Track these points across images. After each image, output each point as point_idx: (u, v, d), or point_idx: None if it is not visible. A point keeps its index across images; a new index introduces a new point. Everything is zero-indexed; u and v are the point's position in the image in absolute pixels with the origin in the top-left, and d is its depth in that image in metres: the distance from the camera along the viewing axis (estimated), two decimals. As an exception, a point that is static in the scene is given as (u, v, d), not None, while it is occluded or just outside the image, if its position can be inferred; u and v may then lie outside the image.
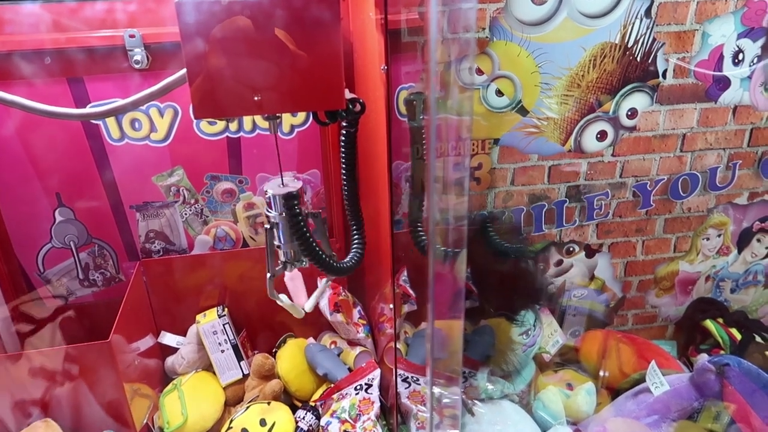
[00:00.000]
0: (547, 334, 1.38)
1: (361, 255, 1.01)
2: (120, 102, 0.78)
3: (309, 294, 1.13)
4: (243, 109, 0.74)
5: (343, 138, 0.93)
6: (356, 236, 1.02)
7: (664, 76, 1.25)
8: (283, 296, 1.03)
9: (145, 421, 1.21)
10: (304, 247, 0.90)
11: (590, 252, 1.44)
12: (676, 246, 1.47)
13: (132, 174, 1.26)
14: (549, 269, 1.45)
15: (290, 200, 0.88)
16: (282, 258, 0.95)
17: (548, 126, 1.28)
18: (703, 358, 1.23)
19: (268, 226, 0.93)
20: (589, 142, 1.31)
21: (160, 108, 1.21)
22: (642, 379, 1.26)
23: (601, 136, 1.30)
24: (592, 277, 1.48)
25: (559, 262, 1.44)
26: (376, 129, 1.01)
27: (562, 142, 1.30)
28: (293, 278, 1.19)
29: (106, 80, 1.16)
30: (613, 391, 1.33)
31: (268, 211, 0.91)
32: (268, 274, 0.97)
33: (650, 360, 1.31)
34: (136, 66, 1.13)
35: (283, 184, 0.91)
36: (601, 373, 1.37)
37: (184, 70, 0.70)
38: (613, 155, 1.33)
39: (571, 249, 1.43)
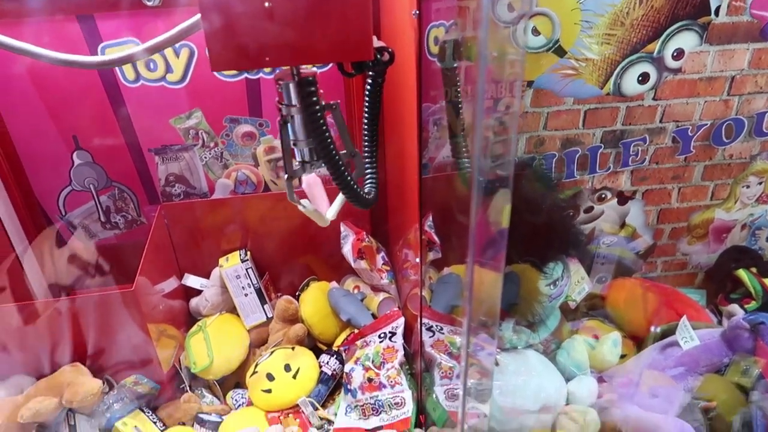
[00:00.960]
0: (574, 282, 1.36)
1: (376, 192, 0.93)
2: (134, 49, 0.73)
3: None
4: (263, 61, 0.69)
5: (368, 88, 0.87)
6: (371, 177, 0.95)
7: (716, 13, 1.15)
8: (305, 201, 0.94)
9: (171, 362, 1.24)
10: (320, 145, 0.80)
11: (623, 199, 1.39)
12: (714, 193, 1.41)
13: (149, 116, 1.22)
14: (578, 216, 1.40)
15: (306, 87, 0.77)
16: (298, 157, 0.84)
17: (587, 68, 1.20)
18: (737, 315, 1.20)
19: (281, 122, 0.81)
20: (630, 84, 1.22)
21: (175, 48, 1.15)
22: (669, 331, 1.24)
23: (643, 78, 1.22)
24: (623, 225, 1.43)
25: (590, 209, 1.40)
26: (405, 72, 0.95)
27: (600, 84, 1.22)
28: (312, 185, 1.02)
29: (118, 18, 1.10)
30: (638, 341, 1.31)
31: (280, 103, 0.80)
32: (286, 176, 0.87)
33: (679, 311, 1.29)
34: (148, 3, 1.07)
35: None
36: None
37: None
38: (654, 99, 1.24)
39: (603, 196, 1.38)
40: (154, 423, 1.12)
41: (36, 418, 1.00)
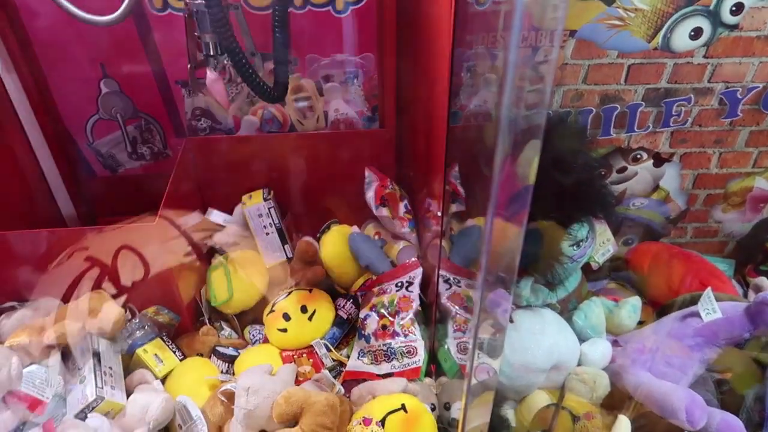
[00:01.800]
0: (599, 243, 1.33)
1: (285, 88, 1.00)
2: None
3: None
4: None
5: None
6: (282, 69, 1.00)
7: (786, -35, 1.06)
8: (207, 94, 1.08)
9: (192, 295, 1.27)
10: (222, 38, 0.88)
11: (659, 161, 1.34)
12: (757, 161, 1.34)
13: (176, 47, 1.19)
14: (610, 175, 1.36)
15: None
16: (204, 51, 0.92)
17: (635, 19, 1.12)
18: (764, 289, 1.16)
19: (186, 14, 0.90)
20: (680, 40, 1.15)
21: (204, -24, 1.11)
22: (691, 300, 1.21)
23: (696, 33, 1.14)
24: (656, 188, 1.38)
25: (623, 169, 1.35)
26: (439, 12, 0.90)
27: (648, 38, 1.15)
28: (214, 81, 1.12)
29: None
30: (658, 307, 1.29)
31: None
32: (189, 65, 0.96)
33: (704, 281, 1.26)
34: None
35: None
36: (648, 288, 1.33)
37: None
38: (705, 56, 1.17)
39: (638, 156, 1.33)
40: (174, 352, 1.16)
41: (61, 340, 1.04)
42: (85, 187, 1.35)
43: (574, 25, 1.15)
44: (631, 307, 1.22)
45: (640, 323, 1.25)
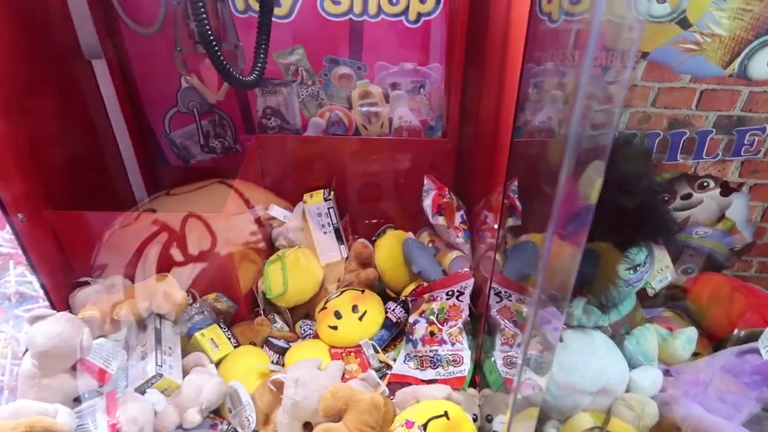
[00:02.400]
0: (657, 269, 1.30)
1: (259, 75, 1.09)
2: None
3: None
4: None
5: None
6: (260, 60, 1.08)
7: None
8: (193, 76, 1.13)
9: (250, 286, 1.32)
10: (198, 27, 0.96)
11: (727, 190, 1.30)
12: (832, 198, 1.29)
13: (253, 48, 1.25)
14: (674, 202, 1.33)
15: None
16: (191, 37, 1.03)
17: (711, 44, 1.10)
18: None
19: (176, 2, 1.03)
20: (759, 67, 1.12)
21: (285, -18, 1.17)
22: (751, 336, 1.17)
23: (776, 62, 1.11)
24: (722, 217, 1.34)
25: (688, 196, 1.32)
26: (513, 27, 0.92)
27: (724, 64, 1.12)
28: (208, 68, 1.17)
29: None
30: (715, 341, 1.26)
31: None
32: (177, 48, 1.08)
33: (766, 317, 1.21)
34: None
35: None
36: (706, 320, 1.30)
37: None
38: (784, 86, 1.14)
39: (705, 184, 1.29)
40: (229, 339, 1.21)
41: (128, 317, 1.10)
42: (159, 175, 1.43)
43: (647, 46, 1.14)
44: (687, 337, 1.20)
45: (695, 355, 1.22)
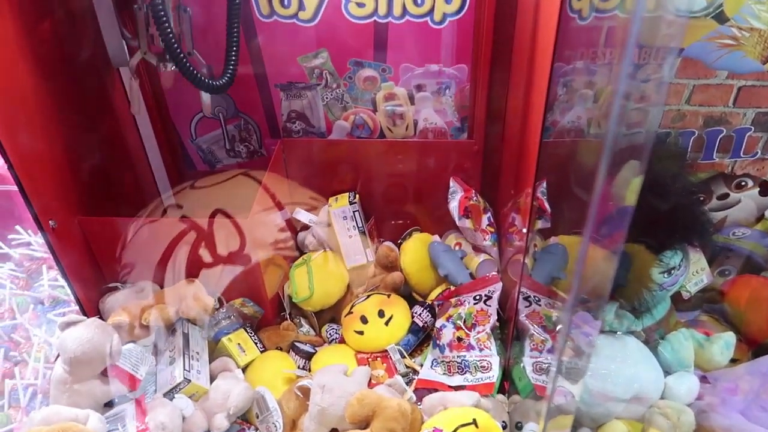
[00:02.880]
0: (692, 272, 1.26)
1: (230, 79, 1.10)
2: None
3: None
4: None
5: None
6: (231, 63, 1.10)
7: None
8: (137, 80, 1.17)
9: (276, 290, 1.32)
10: (160, 32, 0.99)
11: (766, 189, 1.25)
12: None
13: (278, 52, 1.25)
14: (710, 202, 1.28)
15: None
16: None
17: (750, 39, 1.06)
18: None
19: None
20: (800, 62, 1.07)
21: (309, -15, 1.16)
22: (795, 342, 1.13)
23: (818, 56, 1.06)
24: (761, 218, 1.29)
25: (724, 196, 1.27)
26: (543, 25, 0.90)
27: (763, 59, 1.08)
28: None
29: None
30: (755, 346, 1.21)
31: None
32: (140, 51, 1.11)
33: (810, 321, 1.17)
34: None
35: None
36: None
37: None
38: (827, 81, 1.09)
39: (743, 183, 1.25)
40: (255, 343, 1.21)
41: (157, 322, 1.11)
42: (186, 180, 1.44)
43: (681, 42, 1.10)
44: (725, 342, 1.15)
45: (733, 361, 1.17)
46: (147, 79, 1.29)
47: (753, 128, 1.17)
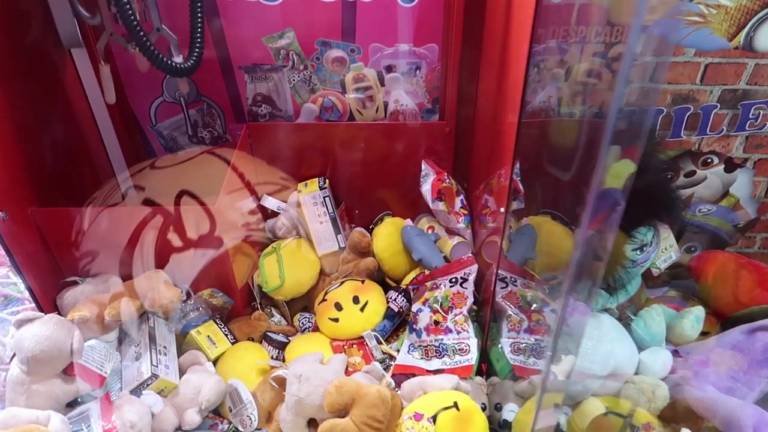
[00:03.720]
0: (661, 249, 1.28)
1: (196, 61, 1.05)
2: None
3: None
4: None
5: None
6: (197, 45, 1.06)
7: None
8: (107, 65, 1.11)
9: (245, 280, 1.28)
10: (121, 12, 0.94)
11: (731, 166, 1.27)
12: (837, 171, 1.27)
13: (242, 33, 1.20)
14: (677, 179, 1.30)
15: None
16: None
17: (717, 15, 1.07)
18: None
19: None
20: (765, 38, 1.09)
21: (273, -39, 1.11)
22: (761, 313, 1.15)
23: (782, 33, 1.08)
24: (725, 194, 1.32)
25: (691, 173, 1.29)
26: (520, 4, 0.88)
27: (729, 36, 1.09)
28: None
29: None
30: (722, 319, 1.24)
31: None
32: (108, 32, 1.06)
33: (775, 293, 1.20)
34: None
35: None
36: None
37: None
38: (790, 58, 1.11)
39: (708, 160, 1.27)
40: (226, 335, 1.17)
41: (119, 317, 1.06)
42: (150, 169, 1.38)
43: (648, 19, 1.10)
44: (695, 317, 1.17)
45: (703, 334, 1.20)
46: (101, 61, 1.21)
47: (719, 105, 1.18)
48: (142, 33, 0.95)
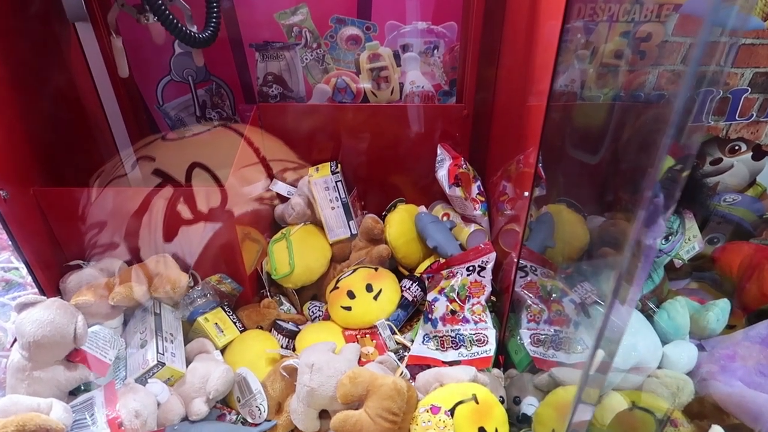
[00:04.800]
0: (685, 239, 1.24)
1: (214, 31, 1.01)
2: None
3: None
4: None
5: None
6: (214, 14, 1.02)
7: None
8: (120, 37, 1.08)
9: (254, 266, 1.23)
10: None
11: (759, 153, 1.22)
12: None
13: (253, 8, 1.15)
14: (703, 167, 1.25)
15: None
16: None
17: (752, -7, 1.02)
18: None
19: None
20: (803, 19, 1.04)
21: (287, -68, 1.06)
22: (789, 307, 1.11)
23: (821, 12, 1.03)
24: (752, 183, 1.27)
25: (718, 161, 1.24)
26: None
27: (765, 16, 1.04)
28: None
29: None
30: (748, 311, 1.19)
31: None
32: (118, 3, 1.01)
33: (803, 286, 1.15)
34: None
35: None
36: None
37: None
38: (828, 39, 1.06)
39: (736, 147, 1.22)
40: (234, 323, 1.13)
41: (125, 302, 1.02)
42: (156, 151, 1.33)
43: (680, -3, 1.06)
44: (720, 309, 1.13)
45: (728, 327, 1.15)
46: (105, 34, 1.17)
47: (750, 89, 1.13)
48: (160, 1, 0.90)
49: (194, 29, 1.00)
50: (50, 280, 1.07)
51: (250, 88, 1.26)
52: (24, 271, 1.09)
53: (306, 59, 1.22)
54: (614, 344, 0.63)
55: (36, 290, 1.06)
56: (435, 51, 1.21)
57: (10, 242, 0.99)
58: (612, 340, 0.63)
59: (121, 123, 1.25)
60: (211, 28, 1.00)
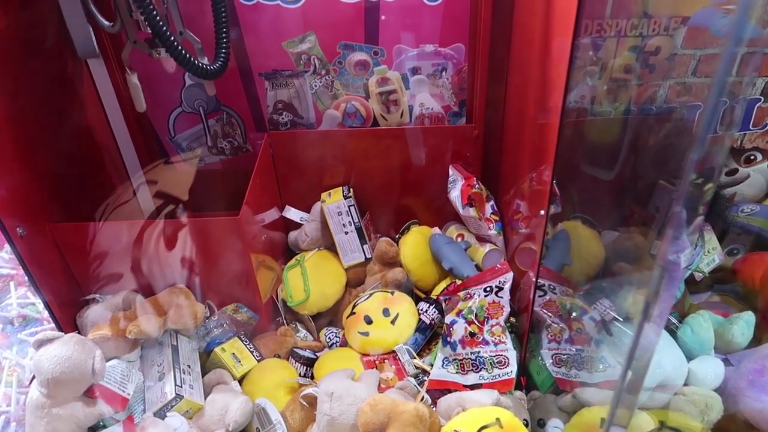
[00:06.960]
0: (705, 252, 1.22)
1: (224, 62, 1.03)
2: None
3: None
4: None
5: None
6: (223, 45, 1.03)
7: None
8: (135, 73, 1.09)
9: (269, 294, 1.23)
10: (148, 17, 0.90)
11: (775, 163, 1.21)
12: None
13: (262, 38, 1.17)
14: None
15: None
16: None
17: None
18: None
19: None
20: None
21: (293, -37, 1.08)
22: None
23: (831, 20, 1.02)
24: (770, 193, 1.26)
25: (733, 171, 1.23)
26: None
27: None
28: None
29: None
30: (775, 324, 1.17)
31: None
32: (128, 41, 1.02)
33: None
34: None
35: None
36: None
37: None
38: (839, 46, 1.05)
39: (752, 157, 1.21)
40: (251, 352, 1.12)
41: (142, 335, 1.01)
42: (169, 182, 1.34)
43: (687, 10, 1.06)
44: (745, 322, 1.11)
45: (754, 340, 1.13)
46: (117, 69, 1.18)
47: (762, 98, 1.13)
48: (170, 35, 0.91)
49: (205, 61, 1.01)
50: (67, 315, 1.06)
51: (260, 116, 1.27)
52: (41, 306, 1.09)
53: (315, 86, 1.23)
54: (644, 364, 0.61)
55: (53, 326, 1.05)
56: (443, 73, 1.21)
57: (26, 278, 0.99)
58: (641, 359, 0.61)
59: (134, 156, 1.26)
60: (221, 60, 1.01)
